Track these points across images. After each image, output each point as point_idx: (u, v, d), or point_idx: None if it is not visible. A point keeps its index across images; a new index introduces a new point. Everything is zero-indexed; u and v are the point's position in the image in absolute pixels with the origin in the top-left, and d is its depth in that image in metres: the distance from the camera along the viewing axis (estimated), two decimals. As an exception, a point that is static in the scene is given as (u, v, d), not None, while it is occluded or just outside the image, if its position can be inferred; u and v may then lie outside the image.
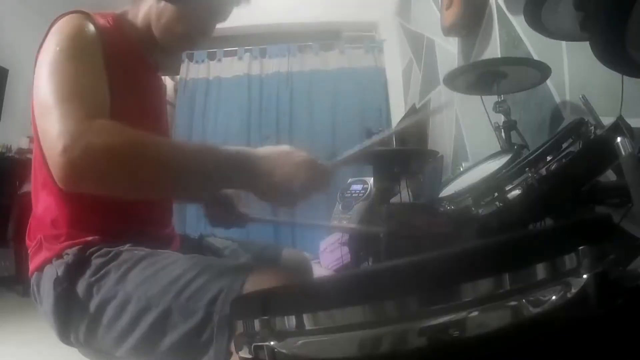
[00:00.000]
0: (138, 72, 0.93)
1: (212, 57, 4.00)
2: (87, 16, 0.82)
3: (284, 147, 0.75)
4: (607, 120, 0.79)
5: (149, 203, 0.91)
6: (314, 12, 4.02)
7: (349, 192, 2.49)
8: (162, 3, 0.89)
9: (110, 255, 0.78)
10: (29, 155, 3.83)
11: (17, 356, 2.08)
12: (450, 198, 0.91)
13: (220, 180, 0.74)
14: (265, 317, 0.43)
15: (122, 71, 0.82)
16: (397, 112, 3.66)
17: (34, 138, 0.87)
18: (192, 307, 0.68)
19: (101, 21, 0.85)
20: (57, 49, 0.75)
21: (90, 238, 0.81)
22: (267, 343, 0.42)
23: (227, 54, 4.00)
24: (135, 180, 0.67)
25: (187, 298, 0.69)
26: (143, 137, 0.68)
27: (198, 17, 0.92)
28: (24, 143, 3.93)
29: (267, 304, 0.44)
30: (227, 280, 0.68)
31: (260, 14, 4.02)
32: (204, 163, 0.70)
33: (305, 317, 0.41)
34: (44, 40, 0.79)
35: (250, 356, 0.43)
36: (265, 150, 0.74)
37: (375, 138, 0.97)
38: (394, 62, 3.92)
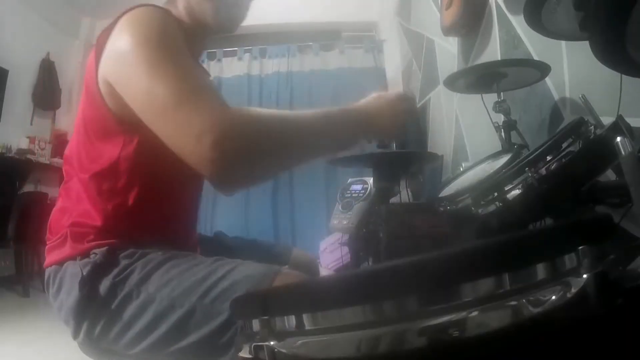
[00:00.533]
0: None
1: (211, 57, 4.00)
2: (164, 10, 0.81)
3: (372, 95, 0.86)
4: (607, 120, 0.79)
5: (179, 213, 0.93)
6: (314, 12, 4.02)
7: (349, 192, 2.48)
8: None
9: (136, 255, 0.78)
10: (29, 156, 3.84)
11: (17, 356, 2.08)
12: (450, 198, 0.91)
13: (348, 137, 0.82)
14: (265, 317, 0.43)
15: None
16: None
17: (76, 138, 0.85)
18: (217, 308, 0.68)
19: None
20: (151, 43, 0.70)
21: (119, 240, 0.80)
22: (267, 343, 0.42)
23: (227, 54, 4.00)
24: (282, 156, 0.72)
25: (212, 299, 0.69)
26: (277, 116, 0.73)
27: None
28: (24, 143, 3.93)
29: (267, 304, 0.44)
30: (253, 282, 0.68)
31: (260, 14, 4.02)
32: (333, 126, 0.78)
33: (305, 317, 0.41)
34: (111, 34, 0.74)
35: (250, 356, 0.43)
36: (363, 101, 0.85)
37: None
38: (394, 62, 3.92)
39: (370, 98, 0.85)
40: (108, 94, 0.75)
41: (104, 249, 0.78)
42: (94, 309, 0.76)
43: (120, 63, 0.71)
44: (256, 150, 0.66)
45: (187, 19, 0.89)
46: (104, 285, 0.76)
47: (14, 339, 2.34)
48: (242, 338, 0.46)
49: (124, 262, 0.78)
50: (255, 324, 0.44)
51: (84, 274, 0.76)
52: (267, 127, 0.69)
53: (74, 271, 0.78)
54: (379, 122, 0.83)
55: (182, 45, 0.73)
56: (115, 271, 0.77)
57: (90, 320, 0.77)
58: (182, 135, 0.64)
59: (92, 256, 0.78)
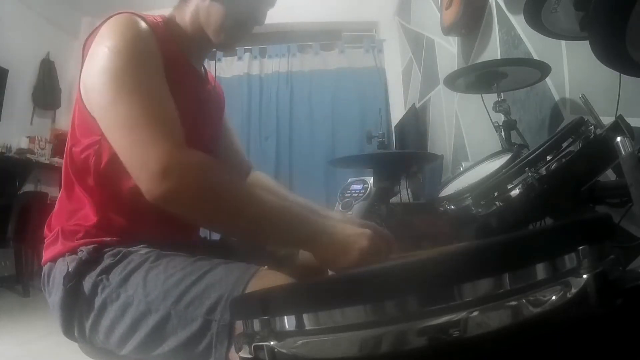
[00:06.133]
0: (187, 78, 0.91)
1: (211, 56, 3.99)
2: (141, 18, 0.80)
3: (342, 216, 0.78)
4: (607, 120, 0.79)
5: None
6: (314, 12, 4.02)
7: (349, 191, 2.48)
8: (208, 1, 0.87)
9: (119, 255, 0.78)
10: (28, 155, 3.84)
11: (17, 356, 2.08)
12: (450, 198, 0.91)
13: (290, 243, 0.81)
14: (265, 317, 0.43)
15: (172, 77, 0.79)
16: (397, 112, 3.66)
17: (71, 136, 0.85)
18: (191, 314, 0.67)
19: (152, 23, 0.84)
20: (122, 56, 0.73)
21: (108, 239, 0.80)
22: (267, 343, 0.41)
23: (227, 54, 4.00)
24: (215, 221, 0.73)
25: (186, 305, 0.68)
26: (229, 183, 0.72)
27: (247, 8, 0.91)
28: (24, 143, 3.93)
29: (267, 304, 0.44)
30: (227, 286, 0.67)
31: (260, 13, 4.02)
32: (278, 222, 0.72)
33: (305, 317, 0.41)
34: (88, 43, 0.80)
35: (250, 356, 0.43)
36: (331, 219, 0.77)
37: None
38: (394, 62, 3.93)
39: (338, 218, 0.78)
40: (86, 97, 0.79)
41: (91, 246, 0.79)
42: (80, 307, 0.77)
43: (92, 72, 0.75)
44: (192, 203, 0.68)
45: (189, 26, 0.91)
46: (88, 283, 0.76)
47: (14, 338, 2.34)
48: (242, 338, 0.46)
49: (107, 261, 0.77)
50: (256, 324, 0.44)
51: (70, 269, 0.77)
52: (216, 190, 0.69)
53: (62, 267, 0.79)
54: (328, 249, 0.72)
55: (153, 61, 0.76)
56: (99, 269, 0.77)
57: (79, 318, 0.77)
58: (134, 160, 0.69)
59: (79, 253, 0.78)
